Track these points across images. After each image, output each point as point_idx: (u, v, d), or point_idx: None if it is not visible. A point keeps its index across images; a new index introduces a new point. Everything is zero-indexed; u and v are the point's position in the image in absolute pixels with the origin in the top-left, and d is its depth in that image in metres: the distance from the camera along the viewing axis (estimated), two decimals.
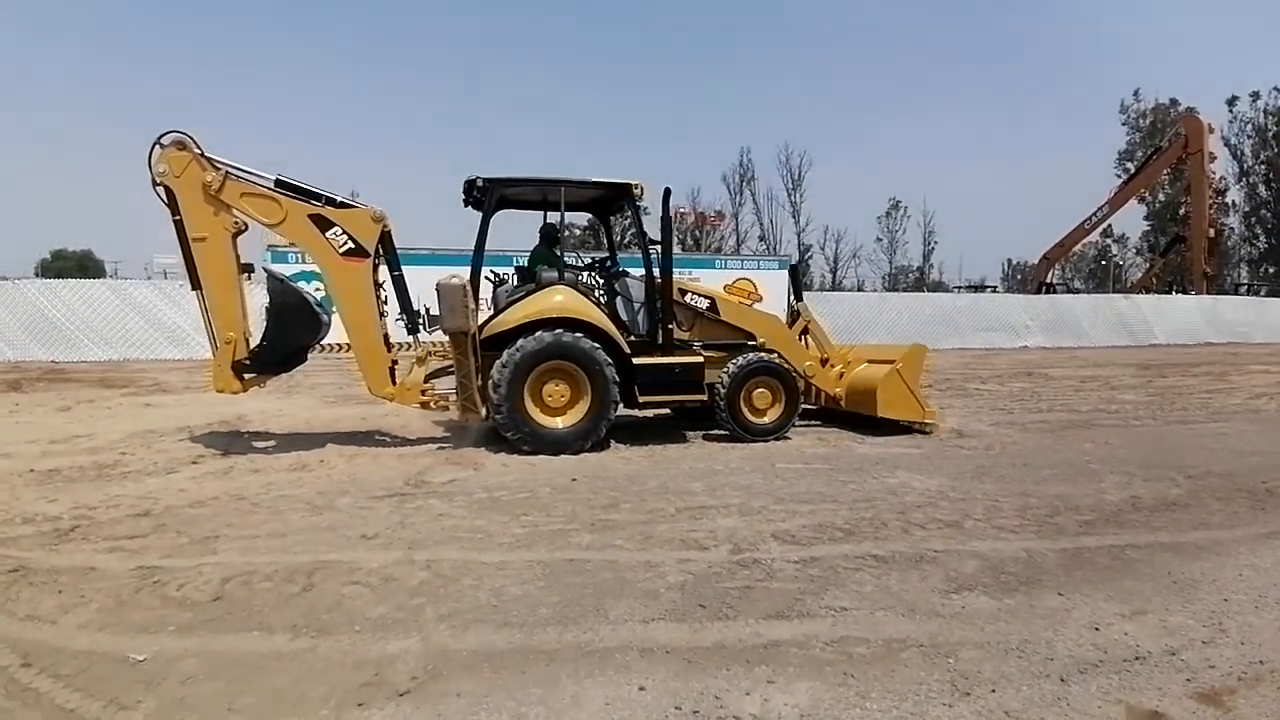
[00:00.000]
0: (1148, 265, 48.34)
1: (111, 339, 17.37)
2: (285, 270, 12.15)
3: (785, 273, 16.04)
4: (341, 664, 2.72)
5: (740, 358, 7.49)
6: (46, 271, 52.63)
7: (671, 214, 7.49)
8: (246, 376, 6.71)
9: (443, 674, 2.64)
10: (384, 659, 2.75)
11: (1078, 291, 46.61)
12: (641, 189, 7.44)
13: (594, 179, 7.42)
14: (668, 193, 7.35)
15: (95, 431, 7.64)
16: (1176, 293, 35.97)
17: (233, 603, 3.27)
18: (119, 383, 12.56)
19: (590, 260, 8.69)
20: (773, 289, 21.34)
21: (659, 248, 7.34)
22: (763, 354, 7.68)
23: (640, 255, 7.59)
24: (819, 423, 8.58)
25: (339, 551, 3.95)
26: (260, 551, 3.95)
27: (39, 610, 3.21)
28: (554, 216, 7.94)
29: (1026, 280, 47.92)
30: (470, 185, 7.14)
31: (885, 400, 7.75)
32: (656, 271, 7.38)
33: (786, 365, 7.71)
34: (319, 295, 7.22)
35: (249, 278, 6.92)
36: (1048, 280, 40.73)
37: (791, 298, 8.83)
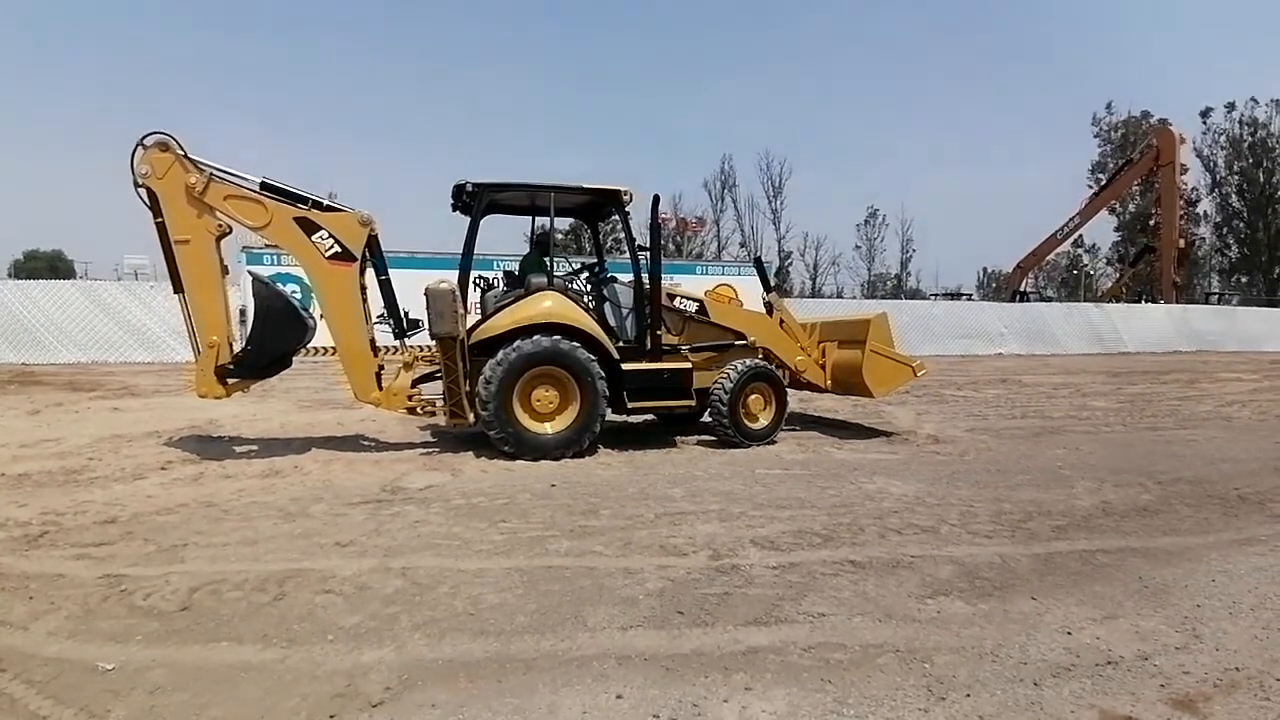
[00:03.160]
0: (1117, 275, 49.18)
1: (81, 341, 17.06)
2: (262, 272, 12.06)
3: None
4: (313, 675, 2.68)
5: (739, 363, 7.52)
6: (18, 272, 51.65)
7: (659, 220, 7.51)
8: (230, 381, 6.60)
9: (417, 684, 2.61)
10: (357, 669, 2.71)
11: (1050, 300, 47.27)
12: (630, 195, 7.44)
13: (583, 184, 7.41)
14: (657, 199, 7.37)
15: (64, 436, 7.49)
16: (1146, 302, 36.58)
17: (201, 612, 3.21)
18: (87, 386, 12.33)
19: (579, 265, 8.68)
20: (753, 294, 21.39)
21: (647, 254, 7.33)
22: (756, 360, 7.73)
23: (629, 260, 7.57)
24: (798, 428, 8.62)
25: (312, 559, 3.89)
26: (230, 560, 3.88)
27: (10, 616, 3.15)
28: (542, 222, 7.91)
29: (1001, 288, 48.58)
30: (459, 190, 7.10)
31: (875, 381, 7.90)
32: (645, 277, 7.38)
33: (774, 368, 7.77)
34: (297, 298, 7.13)
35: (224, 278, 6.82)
36: (1022, 289, 41.29)
37: (762, 292, 8.83)
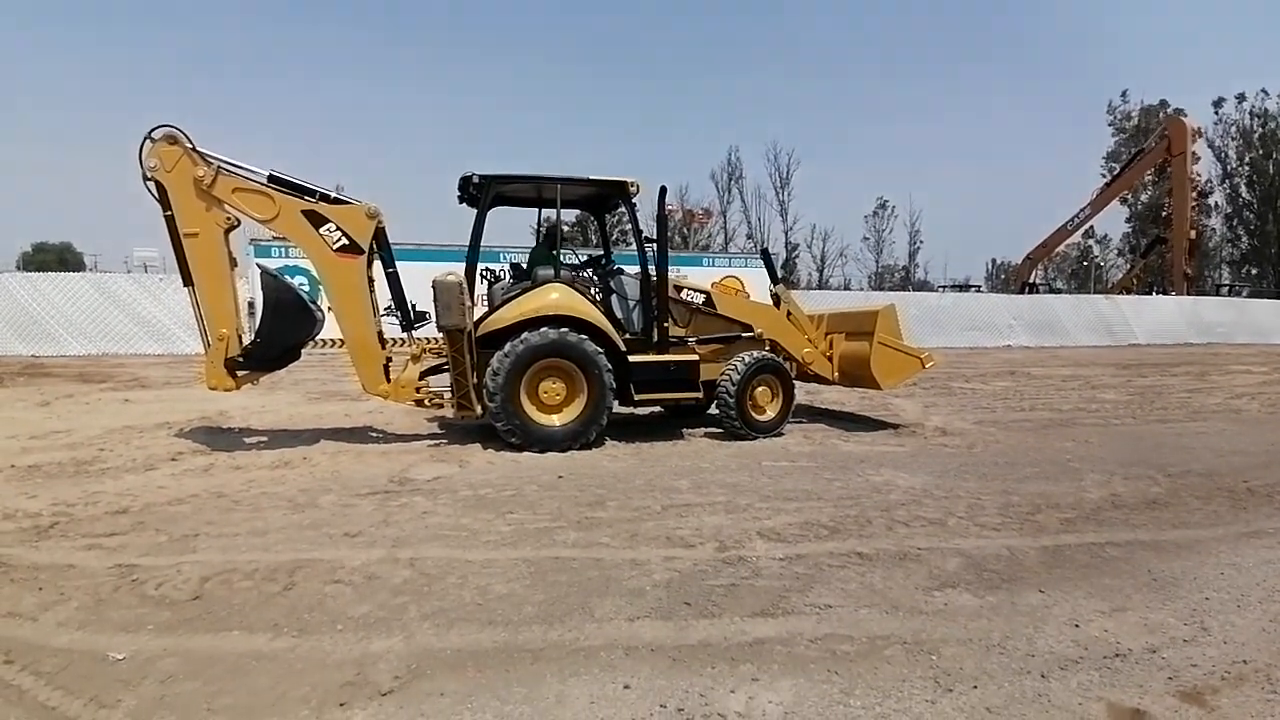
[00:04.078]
0: (1128, 266, 48.85)
1: (91, 333, 17.16)
2: (270, 265, 12.10)
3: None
4: (323, 663, 2.70)
5: (745, 356, 7.50)
6: (28, 265, 51.93)
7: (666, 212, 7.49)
8: (240, 373, 6.64)
9: (426, 673, 2.63)
10: (366, 658, 2.73)
11: (1060, 292, 47.00)
12: (637, 187, 7.42)
13: (590, 176, 7.39)
14: (663, 191, 7.35)
15: (74, 427, 7.54)
16: (1156, 293, 36.37)
17: (212, 602, 3.24)
18: (98, 378, 12.41)
19: (586, 258, 8.67)
20: (761, 286, 21.35)
21: (654, 245, 7.32)
22: (763, 352, 7.73)
23: (636, 252, 7.56)
24: (804, 420, 8.61)
25: (321, 550, 3.91)
26: (241, 550, 3.90)
27: (19, 607, 3.17)
28: (548, 214, 7.91)
29: (1010, 280, 48.33)
30: (466, 182, 7.10)
31: (883, 373, 7.86)
32: (652, 269, 7.38)
33: (781, 360, 7.76)
34: (305, 290, 7.15)
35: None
36: (1031, 280, 41.11)
37: (769, 283, 8.80)
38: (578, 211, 10.04)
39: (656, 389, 7.37)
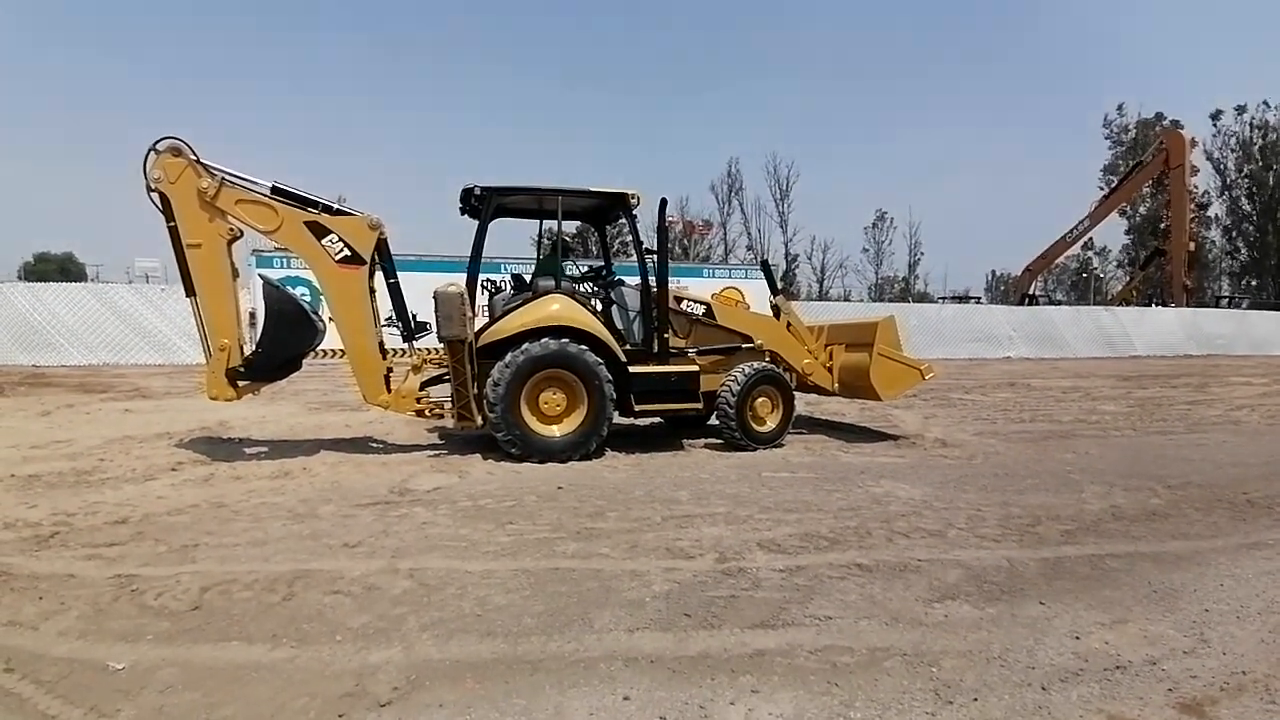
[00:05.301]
0: (1128, 278, 48.93)
1: (92, 343, 17.17)
2: (272, 275, 12.13)
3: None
4: (322, 674, 2.69)
5: (745, 367, 7.52)
6: (29, 275, 52.08)
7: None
8: (241, 384, 6.65)
9: (425, 684, 2.62)
10: (365, 669, 2.73)
11: (1059, 303, 47.04)
12: (638, 198, 7.46)
13: (591, 188, 7.43)
14: (664, 203, 7.39)
15: (75, 437, 7.54)
16: (1156, 305, 36.41)
17: (212, 612, 3.23)
18: (99, 387, 12.42)
19: (587, 269, 8.69)
20: (760, 297, 21.40)
21: (655, 257, 7.35)
22: (763, 363, 7.75)
23: (636, 263, 7.59)
24: (804, 431, 8.61)
25: (321, 560, 3.91)
26: (240, 560, 3.90)
27: (20, 616, 3.17)
28: (549, 224, 7.93)
29: (1010, 291, 48.40)
30: (467, 194, 7.14)
31: (883, 384, 7.87)
32: (652, 280, 7.40)
33: (781, 371, 7.77)
34: (307, 301, 7.17)
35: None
36: (1030, 292, 41.14)
37: (769, 295, 8.82)
38: (578, 223, 10.07)
39: (657, 400, 7.37)
